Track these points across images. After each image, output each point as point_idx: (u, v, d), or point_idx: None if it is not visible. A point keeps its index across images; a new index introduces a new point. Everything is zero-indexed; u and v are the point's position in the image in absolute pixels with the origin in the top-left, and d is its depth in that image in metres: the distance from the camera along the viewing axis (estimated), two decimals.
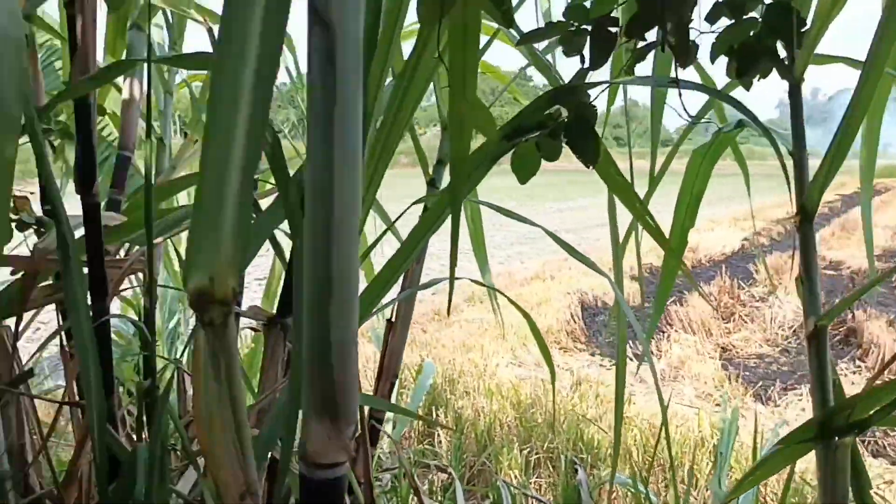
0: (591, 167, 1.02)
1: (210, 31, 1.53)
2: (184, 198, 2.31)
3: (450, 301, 1.02)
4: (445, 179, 1.60)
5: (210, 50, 1.61)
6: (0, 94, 0.75)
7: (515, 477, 2.99)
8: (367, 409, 1.41)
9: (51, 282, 1.48)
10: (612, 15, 1.05)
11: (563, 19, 1.04)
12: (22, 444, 1.44)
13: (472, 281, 1.49)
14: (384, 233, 1.51)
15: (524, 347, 5.33)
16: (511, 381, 4.37)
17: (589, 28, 1.05)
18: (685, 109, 1.00)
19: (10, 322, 1.31)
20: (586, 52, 1.04)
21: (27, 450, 1.44)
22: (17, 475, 1.33)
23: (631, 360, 5.23)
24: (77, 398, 1.68)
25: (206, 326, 0.42)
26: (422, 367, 2.98)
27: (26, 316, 1.57)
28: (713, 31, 1.02)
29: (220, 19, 0.41)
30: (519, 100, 1.94)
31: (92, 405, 1.13)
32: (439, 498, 2.72)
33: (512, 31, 1.55)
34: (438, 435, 3.41)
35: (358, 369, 0.47)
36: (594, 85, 0.95)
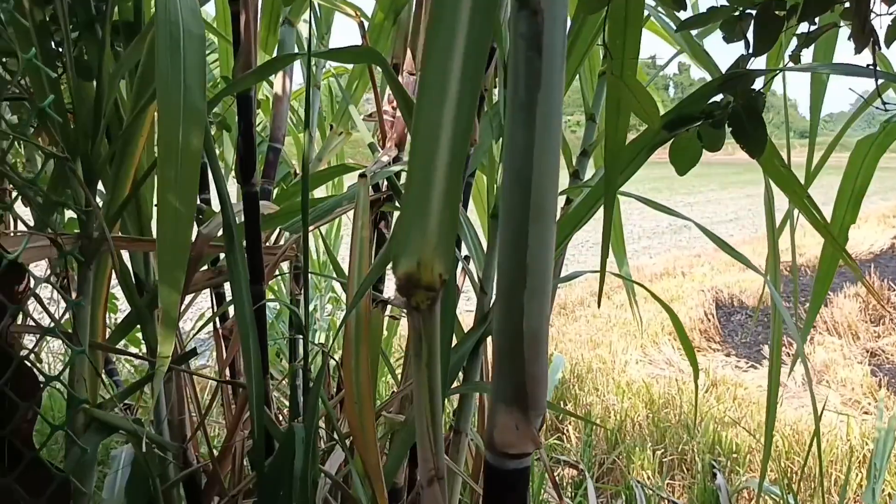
0: (756, 158, 0.97)
1: (361, 25, 1.56)
2: (319, 191, 2.38)
3: (600, 294, 1.00)
4: (588, 171, 1.57)
5: (358, 43, 1.66)
6: (188, 87, 0.80)
7: (648, 477, 2.92)
8: None
9: (206, 268, 1.57)
10: None
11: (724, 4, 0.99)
12: (181, 419, 1.53)
13: (613, 274, 1.45)
14: None
15: (655, 345, 5.19)
16: (643, 379, 4.26)
17: (753, 12, 1.00)
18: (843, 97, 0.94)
19: None
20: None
21: (186, 424, 1.53)
22: (176, 447, 1.42)
23: None
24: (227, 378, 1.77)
25: (412, 311, 0.42)
26: (551, 360, 2.95)
27: (186, 300, 1.66)
28: (890, 14, 0.94)
29: (432, 10, 0.41)
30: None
31: (252, 384, 1.18)
32: (569, 493, 2.70)
33: (663, 15, 1.51)
34: (567, 430, 3.37)
35: (548, 359, 0.46)
36: (767, 72, 0.90)
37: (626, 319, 5.66)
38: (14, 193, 0.80)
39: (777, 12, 0.99)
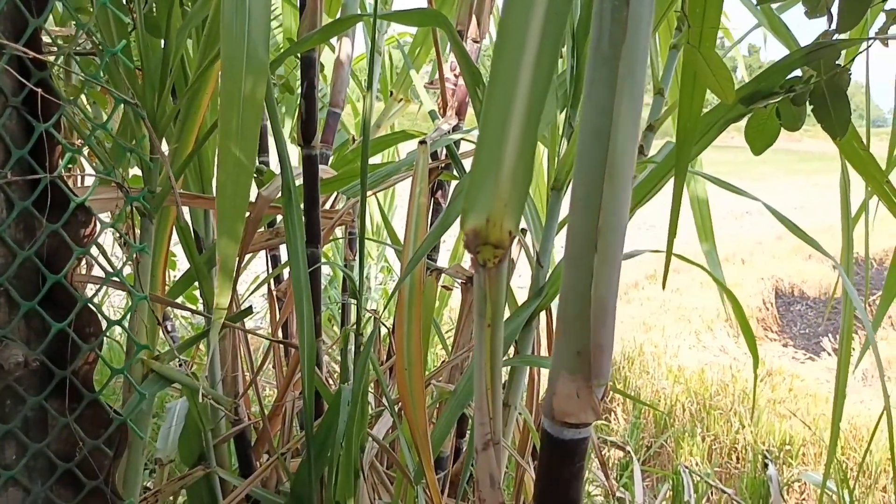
0: (837, 140, 0.92)
1: None
2: (374, 159, 2.38)
3: (665, 273, 0.97)
4: (654, 147, 1.53)
5: (425, 5, 1.64)
6: (252, 41, 0.80)
7: (696, 464, 2.87)
8: None
9: (263, 229, 1.58)
10: None
11: None
12: (235, 377, 1.56)
13: (677, 257, 1.40)
14: None
15: (709, 331, 5.09)
16: (695, 365, 4.19)
17: None
18: None
19: None
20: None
21: (239, 382, 1.56)
22: (230, 403, 1.44)
23: (830, 355, 4.84)
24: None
25: (479, 268, 0.41)
26: None
27: (242, 260, 1.68)
28: None
29: None
30: None
31: (304, 345, 1.19)
32: (614, 475, 2.67)
33: None
34: (616, 411, 3.34)
35: (614, 328, 0.44)
36: (855, 42, 0.85)
37: (681, 304, 5.56)
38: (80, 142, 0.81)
39: None
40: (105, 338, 0.71)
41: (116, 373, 0.73)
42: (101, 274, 0.76)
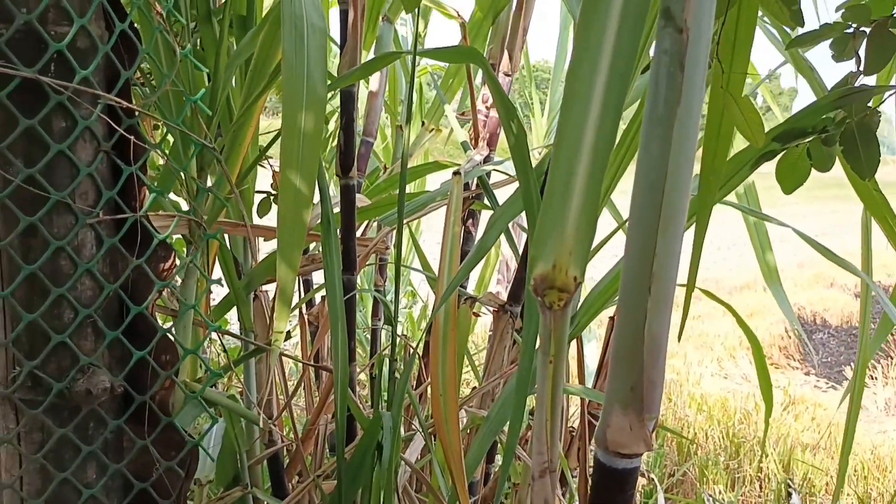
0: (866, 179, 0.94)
1: (462, 25, 1.59)
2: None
3: (685, 310, 0.99)
4: None
5: (452, 39, 1.68)
6: (311, 79, 0.84)
7: (720, 492, 2.86)
8: (586, 401, 1.41)
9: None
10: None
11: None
12: (269, 399, 1.59)
13: (702, 291, 1.42)
14: (615, 231, 1.50)
15: (731, 359, 5.07)
16: (718, 393, 4.17)
17: (867, 30, 0.97)
18: None
19: (268, 288, 1.42)
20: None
21: (273, 404, 1.59)
22: (266, 425, 1.47)
23: None
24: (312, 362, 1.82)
25: (545, 309, 0.44)
26: None
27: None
28: None
29: (579, 18, 0.43)
30: None
31: (338, 369, 1.22)
32: (638, 503, 2.67)
33: (769, 26, 1.48)
34: None
35: (665, 363, 0.47)
36: (887, 88, 0.88)
37: (703, 331, 5.54)
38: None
39: (893, 30, 0.96)
40: None
41: (191, 398, 0.77)
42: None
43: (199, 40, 1.18)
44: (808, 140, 0.92)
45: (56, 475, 0.70)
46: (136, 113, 0.67)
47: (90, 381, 0.67)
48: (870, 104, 0.95)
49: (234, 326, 1.61)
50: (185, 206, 1.09)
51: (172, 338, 0.72)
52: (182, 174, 0.90)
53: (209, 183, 1.20)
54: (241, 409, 0.99)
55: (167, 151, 1.19)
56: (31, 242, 0.69)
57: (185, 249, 1.04)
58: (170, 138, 1.11)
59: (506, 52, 1.65)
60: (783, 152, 0.94)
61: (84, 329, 0.72)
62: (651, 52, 0.43)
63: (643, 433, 0.47)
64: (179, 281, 1.04)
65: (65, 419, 0.70)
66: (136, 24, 0.70)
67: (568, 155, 0.41)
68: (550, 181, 0.41)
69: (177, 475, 0.73)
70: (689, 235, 1.00)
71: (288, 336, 1.35)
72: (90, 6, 0.66)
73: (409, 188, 2.53)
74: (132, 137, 0.66)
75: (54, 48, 0.65)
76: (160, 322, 0.75)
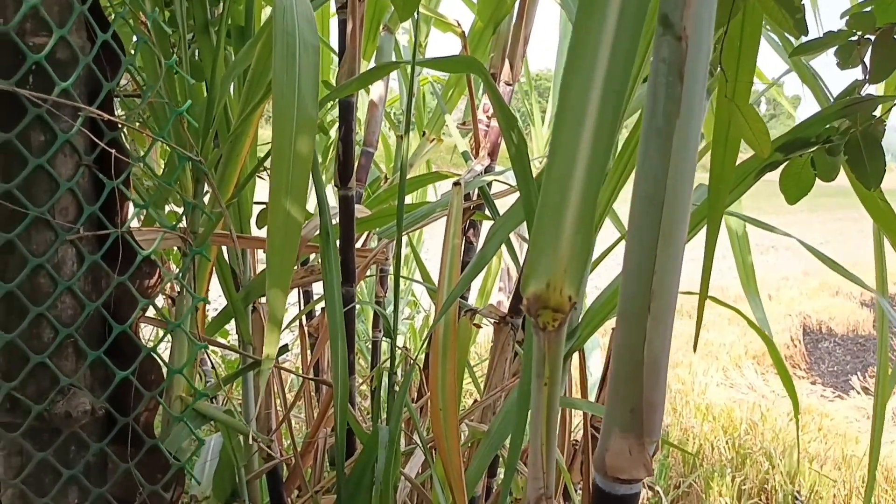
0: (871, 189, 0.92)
1: (463, 35, 1.57)
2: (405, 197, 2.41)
3: (698, 323, 0.97)
4: None
5: (452, 49, 1.67)
6: (301, 96, 0.83)
7: None
8: (589, 415, 1.39)
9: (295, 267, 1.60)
10: None
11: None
12: (268, 413, 1.57)
13: (712, 299, 1.40)
14: (617, 242, 1.48)
15: (737, 368, 5.03)
16: (724, 403, 4.14)
17: (872, 38, 0.95)
18: None
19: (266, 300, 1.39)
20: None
21: (272, 418, 1.57)
22: (265, 440, 1.45)
23: (859, 393, 4.76)
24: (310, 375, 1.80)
25: (539, 330, 0.42)
26: None
27: None
28: None
29: (574, 30, 0.41)
30: None
31: (338, 383, 1.21)
32: None
33: (771, 33, 1.46)
34: None
35: (666, 386, 0.45)
36: (890, 98, 0.86)
37: (708, 340, 5.50)
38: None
39: None
40: None
41: (177, 420, 0.75)
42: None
43: (195, 51, 1.17)
44: (812, 150, 0.90)
45: (36, 500, 0.68)
46: (119, 126, 0.65)
47: (70, 402, 0.66)
48: (875, 113, 0.93)
49: (235, 338, 1.59)
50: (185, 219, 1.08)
51: (157, 357, 0.70)
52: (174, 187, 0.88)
53: (206, 194, 1.19)
54: (235, 422, 0.98)
55: (163, 163, 1.18)
56: (9, 260, 0.68)
57: (181, 262, 1.03)
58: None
59: (507, 62, 1.63)
60: (787, 162, 0.92)
61: (64, 349, 0.70)
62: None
63: (643, 457, 0.45)
64: (177, 293, 1.03)
65: (45, 442, 0.69)
66: (118, 35, 0.69)
67: (561, 168, 0.39)
68: (543, 196, 0.40)
69: (161, 499, 0.71)
70: (696, 244, 0.99)
71: (285, 349, 1.33)
72: (70, 16, 0.64)
73: (410, 198, 2.52)
74: (114, 151, 0.64)
75: (32, 59, 0.63)
76: (158, 335, 0.74)
